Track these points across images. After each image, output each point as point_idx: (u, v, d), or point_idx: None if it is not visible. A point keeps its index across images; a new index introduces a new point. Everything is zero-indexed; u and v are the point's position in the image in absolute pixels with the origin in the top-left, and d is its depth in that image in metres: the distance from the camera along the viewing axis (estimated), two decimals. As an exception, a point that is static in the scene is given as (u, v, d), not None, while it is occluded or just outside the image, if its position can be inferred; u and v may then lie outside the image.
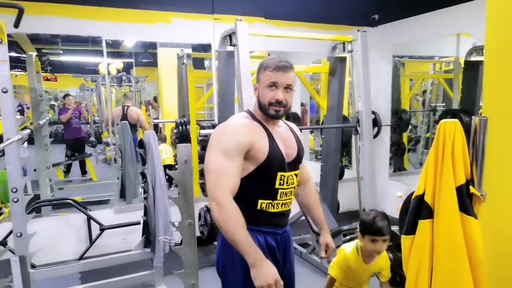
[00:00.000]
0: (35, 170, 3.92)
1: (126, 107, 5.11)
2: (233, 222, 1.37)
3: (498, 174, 1.65)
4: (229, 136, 1.46)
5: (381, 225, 1.83)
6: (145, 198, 2.68)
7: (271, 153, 1.49)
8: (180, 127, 4.57)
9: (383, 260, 1.99)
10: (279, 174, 1.52)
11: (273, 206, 1.54)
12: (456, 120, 1.40)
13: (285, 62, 1.51)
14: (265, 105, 1.51)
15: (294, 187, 1.61)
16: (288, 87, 1.50)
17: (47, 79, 6.96)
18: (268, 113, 1.51)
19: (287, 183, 1.55)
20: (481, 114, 1.65)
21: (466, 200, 1.40)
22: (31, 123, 3.90)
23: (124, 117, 4.98)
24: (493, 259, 1.62)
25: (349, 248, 1.98)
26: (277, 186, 1.53)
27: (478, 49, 3.90)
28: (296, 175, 1.60)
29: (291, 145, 1.59)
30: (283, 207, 1.57)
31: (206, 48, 4.20)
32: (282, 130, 1.62)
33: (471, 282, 1.38)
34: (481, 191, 1.43)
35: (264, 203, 1.52)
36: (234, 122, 1.55)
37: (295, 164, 1.60)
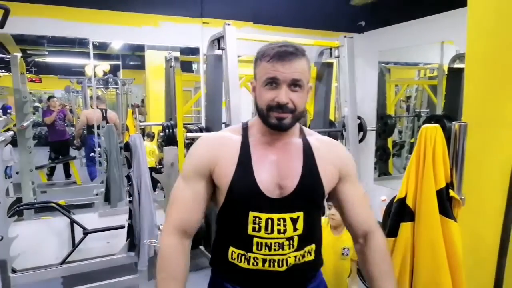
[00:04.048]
0: (17, 173, 3.85)
1: (104, 110, 5.04)
2: (161, 268, 1.08)
3: (477, 178, 1.69)
4: (190, 155, 1.15)
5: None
6: (130, 201, 2.66)
7: (235, 181, 1.06)
8: (167, 130, 4.54)
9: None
10: (250, 214, 1.06)
11: (248, 261, 1.07)
12: (437, 125, 1.43)
13: (288, 47, 1.04)
14: (263, 110, 1.07)
15: (290, 238, 1.07)
16: (295, 84, 1.03)
17: (31, 81, 6.88)
18: (268, 121, 1.07)
19: (267, 229, 1.06)
20: (462, 120, 1.69)
21: (446, 203, 1.43)
22: (15, 125, 3.84)
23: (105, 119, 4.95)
24: (472, 261, 1.66)
25: None
26: (250, 232, 1.07)
27: (461, 57, 3.98)
28: (294, 219, 1.08)
29: (288, 174, 1.09)
30: (269, 265, 1.06)
31: (194, 51, 4.21)
32: (289, 149, 1.12)
33: (450, 284, 1.41)
34: (460, 194, 1.47)
35: (235, 252, 1.09)
36: (203, 136, 1.20)
37: (295, 202, 1.08)
